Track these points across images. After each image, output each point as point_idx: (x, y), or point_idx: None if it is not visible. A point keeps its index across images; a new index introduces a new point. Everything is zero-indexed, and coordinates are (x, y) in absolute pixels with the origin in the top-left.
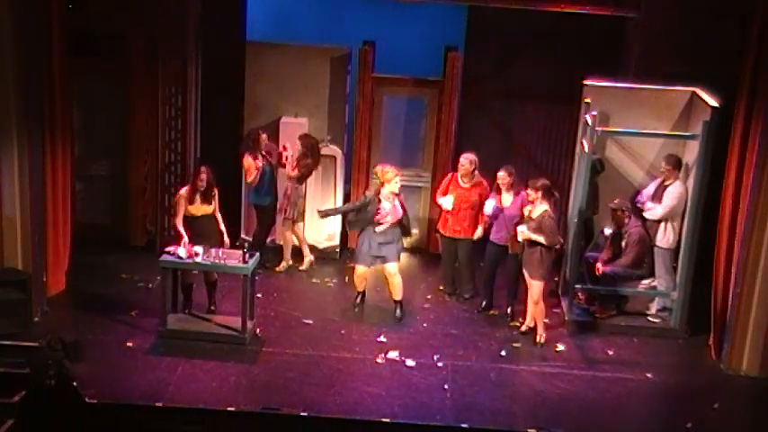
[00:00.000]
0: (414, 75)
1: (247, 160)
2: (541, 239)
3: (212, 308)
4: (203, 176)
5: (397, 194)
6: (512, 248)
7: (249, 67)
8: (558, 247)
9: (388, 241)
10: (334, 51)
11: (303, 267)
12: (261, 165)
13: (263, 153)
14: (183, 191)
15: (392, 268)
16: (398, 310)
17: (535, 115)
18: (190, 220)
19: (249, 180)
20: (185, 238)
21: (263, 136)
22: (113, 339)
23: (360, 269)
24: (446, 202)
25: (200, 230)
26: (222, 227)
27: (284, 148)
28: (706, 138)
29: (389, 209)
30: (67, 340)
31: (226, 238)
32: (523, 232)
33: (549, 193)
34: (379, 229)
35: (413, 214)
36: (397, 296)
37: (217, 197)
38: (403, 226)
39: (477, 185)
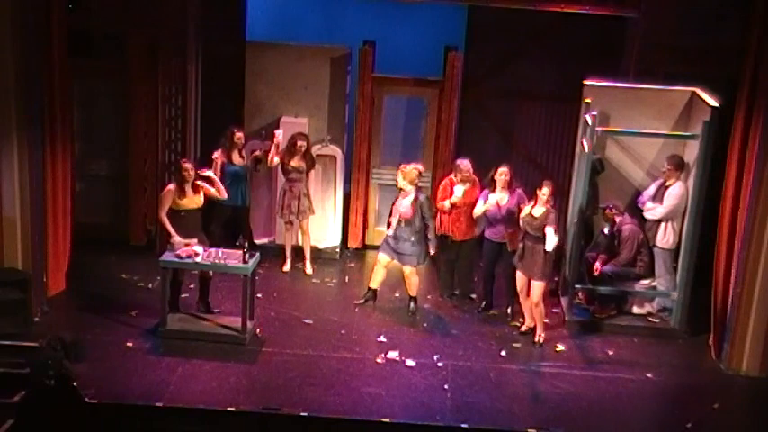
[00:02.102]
0: (414, 75)
1: (215, 155)
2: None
3: (214, 310)
4: (187, 166)
5: (409, 193)
6: (510, 246)
7: (249, 67)
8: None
9: (405, 239)
10: (334, 51)
11: (308, 271)
12: (221, 161)
13: (241, 153)
14: (172, 186)
15: (406, 270)
16: (412, 304)
17: (535, 115)
18: (180, 215)
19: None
20: (176, 236)
21: (238, 135)
22: (113, 339)
23: (379, 256)
24: (457, 191)
25: (191, 225)
26: (216, 181)
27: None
28: (706, 138)
29: (403, 205)
30: (67, 340)
31: (218, 187)
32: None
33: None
34: (391, 228)
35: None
36: (412, 292)
37: (203, 189)
38: (425, 236)
39: (473, 185)
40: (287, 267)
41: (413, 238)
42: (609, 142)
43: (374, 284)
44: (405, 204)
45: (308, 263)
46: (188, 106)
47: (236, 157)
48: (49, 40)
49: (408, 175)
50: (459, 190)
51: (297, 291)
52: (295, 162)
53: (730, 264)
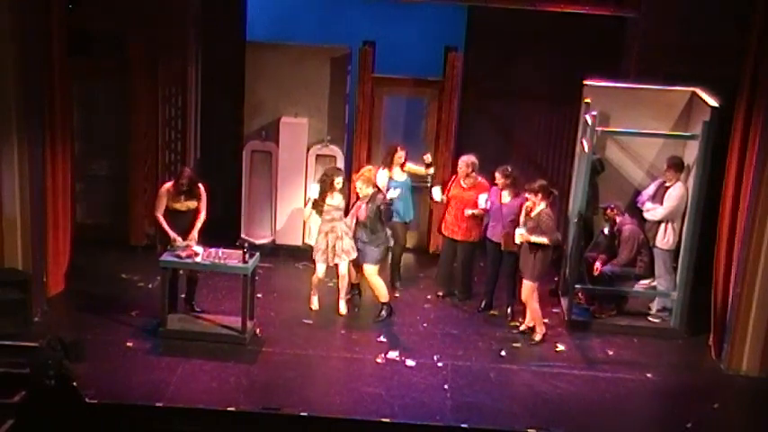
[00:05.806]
0: (414, 75)
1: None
2: (544, 240)
3: (196, 308)
4: (183, 181)
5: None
6: (504, 245)
7: (249, 67)
8: (560, 245)
9: (360, 239)
10: (334, 51)
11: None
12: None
13: (402, 167)
14: (168, 185)
15: (365, 271)
16: (383, 312)
17: (535, 115)
18: (174, 214)
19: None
20: (177, 237)
21: (400, 153)
22: (113, 339)
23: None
24: (435, 193)
25: (184, 225)
26: (197, 225)
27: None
28: (706, 138)
29: (362, 209)
30: (67, 340)
31: (192, 235)
32: (522, 235)
33: (547, 192)
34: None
35: (413, 214)
36: (380, 299)
37: (203, 195)
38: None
39: (476, 186)
40: (315, 305)
41: (364, 238)
42: (609, 142)
43: (355, 280)
44: (363, 208)
45: (342, 302)
46: (188, 106)
47: (398, 174)
48: (49, 40)
49: (370, 181)
50: (436, 191)
51: (297, 291)
52: (332, 199)
53: (730, 264)
